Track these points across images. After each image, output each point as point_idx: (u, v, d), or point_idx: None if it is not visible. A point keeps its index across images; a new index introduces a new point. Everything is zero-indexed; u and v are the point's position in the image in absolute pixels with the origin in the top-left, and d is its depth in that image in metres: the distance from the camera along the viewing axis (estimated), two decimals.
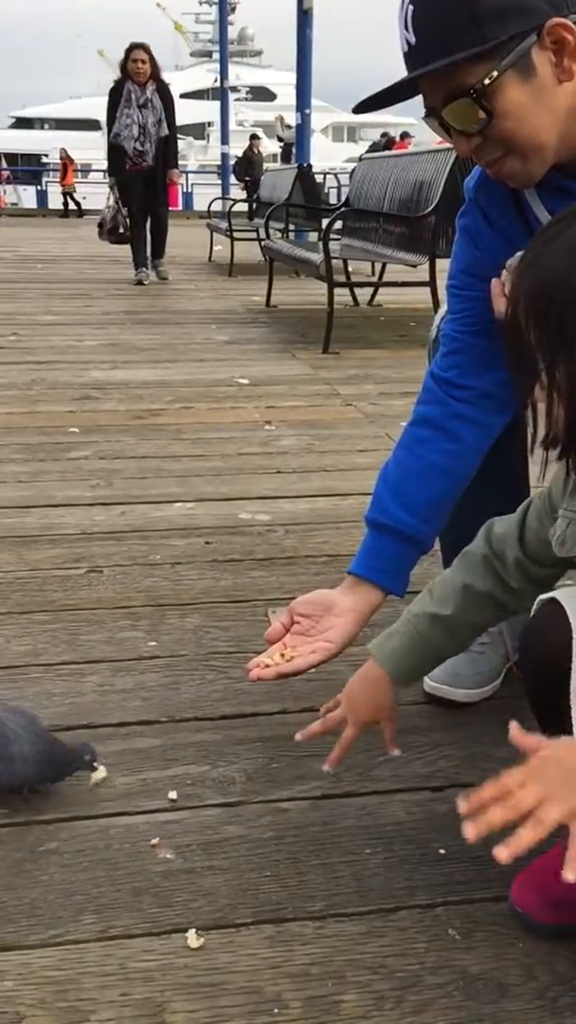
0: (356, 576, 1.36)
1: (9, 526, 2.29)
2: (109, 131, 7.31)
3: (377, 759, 1.38)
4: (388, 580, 1.36)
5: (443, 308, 1.44)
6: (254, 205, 9.67)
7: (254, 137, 17.08)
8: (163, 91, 7.31)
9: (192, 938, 1.04)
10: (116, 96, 7.22)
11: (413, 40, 1.09)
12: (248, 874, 1.14)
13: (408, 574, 1.39)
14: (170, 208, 7.79)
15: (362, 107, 1.20)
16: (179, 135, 7.53)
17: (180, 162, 7.60)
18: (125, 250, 7.77)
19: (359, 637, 1.37)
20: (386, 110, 1.39)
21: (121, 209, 7.41)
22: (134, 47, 7.21)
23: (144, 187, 7.34)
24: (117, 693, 1.55)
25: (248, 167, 15.62)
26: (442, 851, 1.19)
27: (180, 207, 8.92)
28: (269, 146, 16.79)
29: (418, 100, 1.16)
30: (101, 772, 1.40)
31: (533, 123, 1.09)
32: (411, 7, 1.08)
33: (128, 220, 7.42)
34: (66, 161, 22.02)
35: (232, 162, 17.30)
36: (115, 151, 7.29)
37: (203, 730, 1.45)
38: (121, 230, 7.47)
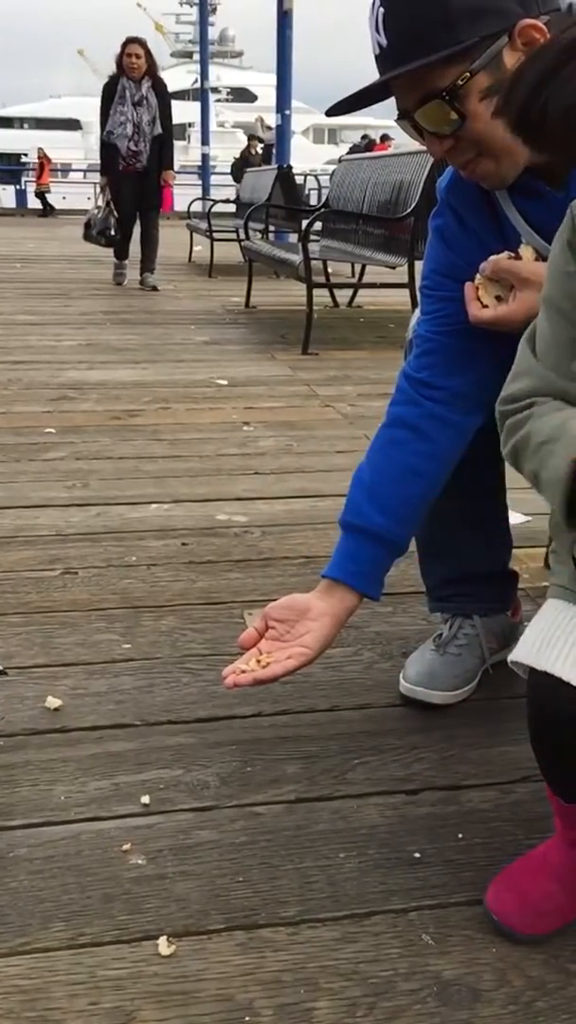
0: (331, 580, 1.35)
1: None
2: (102, 128, 7.03)
3: (352, 762, 1.37)
4: (364, 583, 1.35)
5: (419, 309, 1.44)
6: (236, 206, 9.65)
7: (252, 138, 17.13)
8: (159, 89, 7.03)
9: (163, 945, 1.03)
10: (110, 92, 6.94)
11: (385, 43, 1.08)
12: (220, 879, 1.13)
13: (384, 577, 1.38)
14: (163, 211, 7.53)
15: (335, 110, 1.19)
16: None
17: None
18: (106, 250, 7.69)
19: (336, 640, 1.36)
20: (368, 112, 1.38)
21: (113, 211, 7.14)
22: (129, 41, 6.92)
23: (136, 188, 7.09)
24: (90, 696, 1.54)
25: (245, 167, 15.65)
26: (416, 855, 1.18)
27: (173, 208, 8.74)
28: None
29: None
30: (56, 701, 1.48)
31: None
32: (382, 9, 1.07)
33: (117, 221, 7.19)
34: (43, 160, 21.89)
35: (215, 163, 17.28)
36: (108, 149, 7.02)
37: (177, 733, 1.44)
38: (112, 232, 7.21)
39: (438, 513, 1.43)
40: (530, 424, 0.93)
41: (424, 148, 1.19)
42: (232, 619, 1.82)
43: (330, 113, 1.21)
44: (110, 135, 6.97)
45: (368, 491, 1.36)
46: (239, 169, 15.88)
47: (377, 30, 1.09)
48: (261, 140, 17.05)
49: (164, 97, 7.06)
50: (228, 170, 20.48)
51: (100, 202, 7.29)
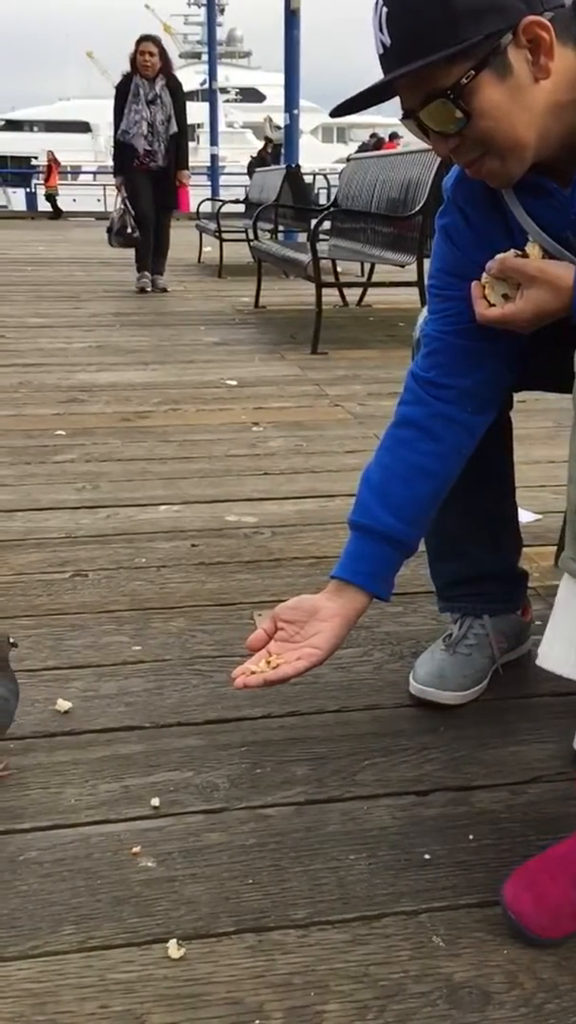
0: (340, 580, 1.34)
1: None
2: (116, 128, 6.93)
3: (362, 763, 1.37)
4: (373, 584, 1.34)
5: (426, 308, 1.43)
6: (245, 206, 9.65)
7: (268, 139, 17.21)
8: (173, 87, 6.91)
9: (173, 948, 1.02)
10: (123, 91, 6.85)
11: (388, 42, 1.08)
12: (230, 882, 1.13)
13: (393, 577, 1.37)
14: (181, 211, 7.39)
15: (339, 111, 1.18)
16: None
17: None
18: (115, 252, 7.67)
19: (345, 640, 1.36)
20: (376, 110, 1.38)
21: (129, 210, 7.01)
22: (143, 39, 6.83)
23: (153, 188, 6.99)
24: (100, 699, 1.54)
25: (260, 167, 15.76)
26: (427, 856, 1.18)
27: (191, 209, 8.75)
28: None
29: None
30: (66, 704, 1.50)
31: (511, 122, 1.08)
32: (385, 9, 1.07)
33: (134, 221, 7.05)
34: (51, 163, 21.95)
35: (224, 163, 17.32)
36: (122, 148, 6.92)
37: (187, 735, 1.44)
38: (129, 230, 7.04)
39: (447, 512, 1.42)
40: None
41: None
42: (242, 620, 1.81)
43: (334, 114, 1.20)
44: (125, 134, 6.86)
45: (377, 491, 1.35)
46: (255, 169, 15.98)
47: (380, 29, 1.08)
48: (270, 140, 17.11)
49: (178, 95, 6.93)
50: (237, 170, 20.43)
51: (118, 203, 7.17)
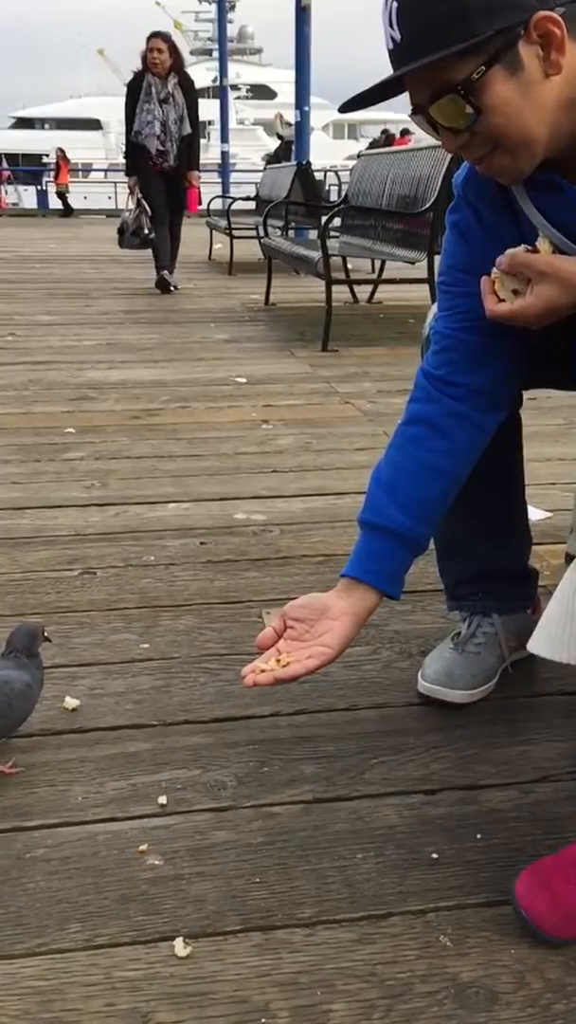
0: (351, 579, 1.33)
1: (3, 528, 2.28)
2: (128, 128, 6.81)
3: (370, 762, 1.36)
4: (384, 582, 1.33)
5: (436, 305, 1.42)
6: (255, 203, 9.64)
7: (280, 136, 17.26)
8: (186, 85, 6.72)
9: (179, 946, 1.02)
10: (135, 90, 6.73)
11: (398, 37, 1.07)
12: (237, 880, 1.13)
13: (403, 575, 1.37)
14: (189, 212, 7.33)
15: (348, 106, 1.18)
16: None
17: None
18: (126, 251, 7.64)
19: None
20: (387, 106, 1.37)
21: (146, 209, 6.89)
22: (152, 36, 6.71)
23: (166, 187, 6.89)
24: (108, 696, 1.54)
25: (276, 164, 15.82)
26: (434, 855, 1.17)
27: (200, 208, 8.74)
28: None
29: None
30: (74, 701, 1.51)
31: (521, 118, 1.07)
32: (395, 4, 1.06)
33: (150, 219, 6.92)
34: (61, 161, 21.96)
35: (235, 160, 17.35)
36: (135, 149, 6.81)
37: (194, 733, 1.44)
38: (145, 231, 6.91)
39: (456, 510, 1.41)
40: None
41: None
42: (250, 618, 1.81)
43: (343, 109, 1.20)
44: (137, 135, 6.76)
45: (388, 489, 1.35)
46: (270, 166, 16.00)
47: (391, 24, 1.07)
48: (281, 137, 17.10)
49: (191, 94, 6.82)
50: (247, 167, 20.44)
51: (131, 204, 7.07)
